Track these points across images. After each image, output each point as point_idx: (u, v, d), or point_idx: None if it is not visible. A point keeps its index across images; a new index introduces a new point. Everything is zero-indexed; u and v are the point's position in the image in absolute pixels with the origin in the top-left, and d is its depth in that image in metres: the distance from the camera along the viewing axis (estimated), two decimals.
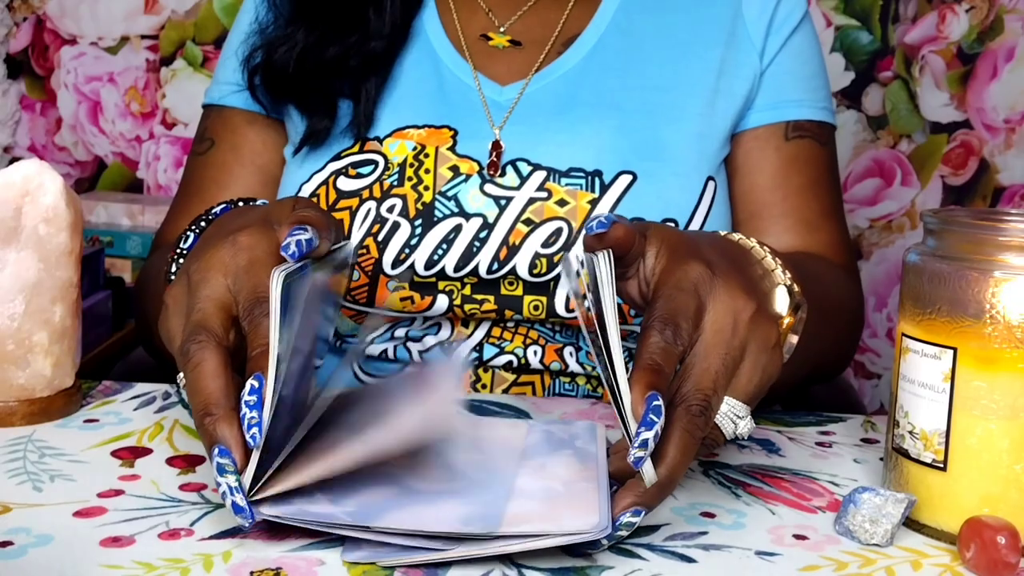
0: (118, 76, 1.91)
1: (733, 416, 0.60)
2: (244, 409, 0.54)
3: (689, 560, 0.56)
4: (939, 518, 0.59)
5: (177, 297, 0.62)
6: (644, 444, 0.53)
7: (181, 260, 0.72)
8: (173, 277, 0.72)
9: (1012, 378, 0.57)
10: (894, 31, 1.83)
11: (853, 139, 1.85)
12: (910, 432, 0.60)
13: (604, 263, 0.57)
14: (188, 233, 0.73)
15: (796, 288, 0.66)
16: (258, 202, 0.76)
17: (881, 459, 0.71)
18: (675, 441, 0.55)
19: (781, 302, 0.65)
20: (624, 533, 0.55)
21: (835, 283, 0.90)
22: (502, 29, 0.97)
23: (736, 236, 0.68)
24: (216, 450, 0.55)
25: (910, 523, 0.60)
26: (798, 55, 0.97)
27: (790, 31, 0.96)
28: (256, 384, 0.55)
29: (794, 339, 0.66)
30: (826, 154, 0.98)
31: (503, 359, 0.88)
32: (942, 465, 0.59)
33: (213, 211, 0.74)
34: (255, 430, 0.54)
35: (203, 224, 0.73)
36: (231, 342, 0.59)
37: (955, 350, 0.58)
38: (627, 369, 0.55)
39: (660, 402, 0.54)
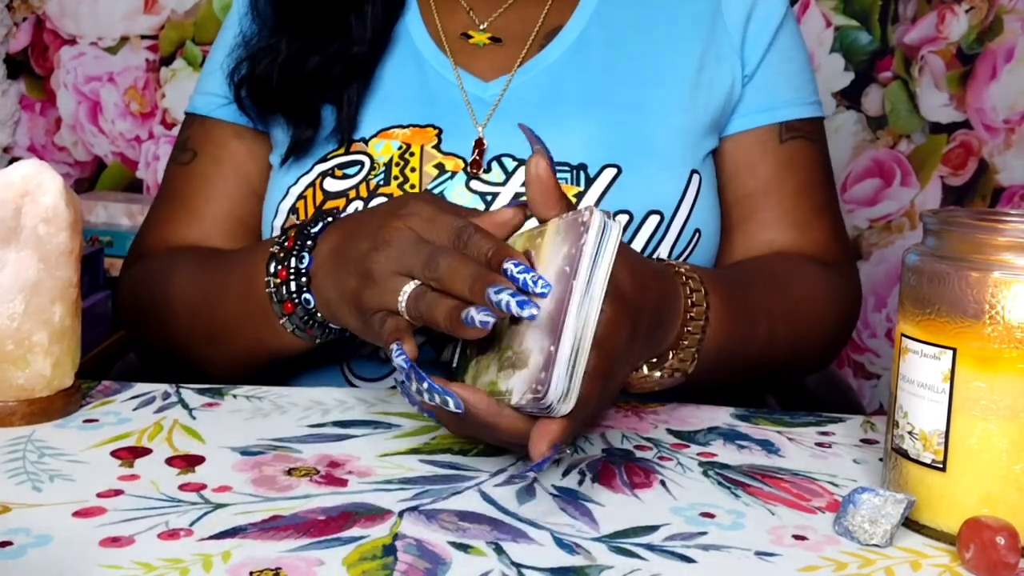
0: (118, 76, 1.91)
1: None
2: (523, 280, 0.60)
3: (688, 560, 0.56)
4: (938, 519, 0.59)
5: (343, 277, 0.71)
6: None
7: (303, 279, 0.77)
8: (290, 294, 0.78)
9: (1012, 378, 0.57)
10: (893, 31, 1.83)
11: (852, 139, 1.86)
12: (909, 432, 0.60)
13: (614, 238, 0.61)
14: (299, 252, 0.77)
15: (691, 360, 0.74)
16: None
17: (880, 459, 0.71)
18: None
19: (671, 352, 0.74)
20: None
21: (813, 286, 0.91)
22: (482, 27, 0.97)
23: (686, 283, 0.75)
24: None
25: (909, 523, 0.60)
26: (784, 54, 0.97)
27: (774, 31, 0.96)
28: (518, 261, 0.61)
29: (654, 386, 0.75)
30: (817, 151, 0.98)
31: None
32: (941, 465, 0.59)
33: (312, 231, 0.78)
34: (542, 284, 0.60)
35: (309, 244, 0.77)
36: None
37: (954, 350, 0.58)
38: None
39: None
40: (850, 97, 1.85)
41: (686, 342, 0.74)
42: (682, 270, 0.75)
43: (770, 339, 0.84)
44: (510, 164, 0.89)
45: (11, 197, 0.70)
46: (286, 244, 0.79)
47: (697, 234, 0.90)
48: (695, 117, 0.92)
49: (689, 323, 0.74)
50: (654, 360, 0.74)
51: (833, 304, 0.93)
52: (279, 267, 0.78)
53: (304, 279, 0.77)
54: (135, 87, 1.91)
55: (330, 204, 0.88)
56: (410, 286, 0.66)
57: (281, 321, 0.79)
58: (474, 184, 0.88)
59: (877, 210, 1.88)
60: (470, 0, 0.98)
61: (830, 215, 0.97)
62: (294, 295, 0.78)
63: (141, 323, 0.95)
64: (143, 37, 1.90)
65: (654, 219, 0.87)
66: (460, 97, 0.93)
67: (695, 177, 0.91)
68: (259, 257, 0.80)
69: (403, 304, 0.66)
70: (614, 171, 0.88)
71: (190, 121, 1.02)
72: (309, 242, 0.77)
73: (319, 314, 0.78)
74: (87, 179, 1.93)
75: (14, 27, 1.91)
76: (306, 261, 0.77)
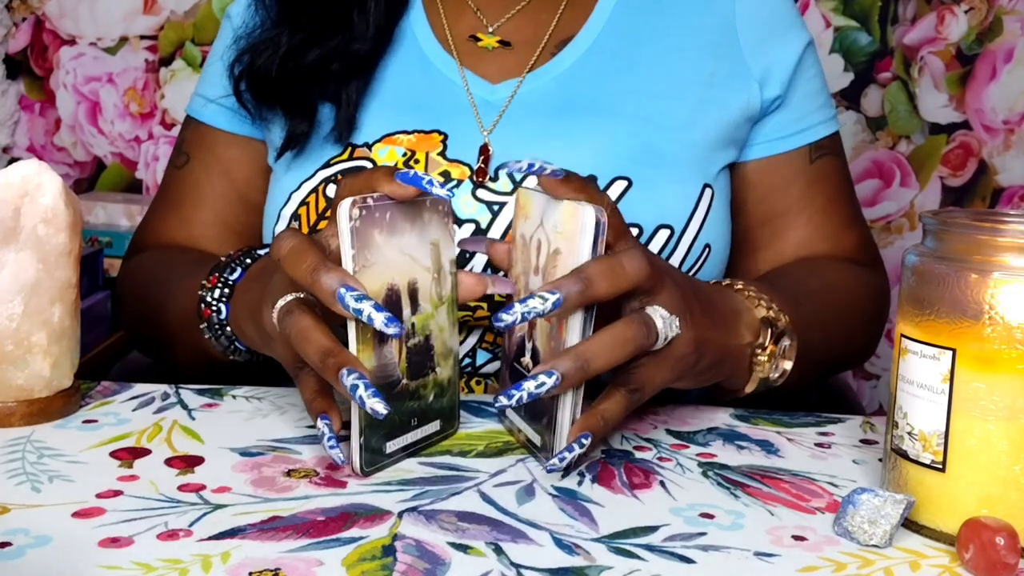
0: (117, 77, 1.91)
1: (664, 316, 0.65)
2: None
3: (688, 561, 0.56)
4: (938, 519, 0.59)
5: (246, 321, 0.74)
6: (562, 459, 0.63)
7: (227, 290, 0.81)
8: (212, 300, 0.81)
9: (1011, 379, 0.57)
10: (893, 32, 1.83)
11: (852, 140, 1.86)
12: (909, 433, 0.60)
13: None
14: (235, 266, 0.82)
15: (782, 320, 0.76)
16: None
17: (880, 460, 0.71)
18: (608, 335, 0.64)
19: (763, 332, 0.75)
20: (578, 451, 0.63)
21: (850, 285, 0.94)
22: (491, 30, 0.96)
23: (725, 282, 0.79)
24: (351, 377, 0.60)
25: (909, 524, 0.60)
26: (810, 78, 0.98)
27: (799, 54, 0.96)
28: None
29: (787, 364, 0.77)
30: (841, 164, 1.00)
31: (496, 365, 0.88)
32: (941, 466, 0.59)
33: (257, 252, 0.82)
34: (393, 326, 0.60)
35: (248, 262, 0.81)
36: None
37: (954, 351, 0.58)
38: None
39: (588, 441, 0.64)
40: (850, 98, 1.85)
41: (758, 309, 0.77)
42: (740, 286, 0.78)
43: (823, 337, 0.85)
44: (517, 173, 0.88)
45: (10, 197, 0.70)
46: (232, 255, 0.82)
47: (707, 249, 0.90)
48: (705, 131, 0.92)
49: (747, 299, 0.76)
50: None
51: (871, 299, 0.97)
52: (213, 274, 0.81)
53: (228, 290, 0.80)
54: (134, 88, 1.91)
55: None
56: (286, 299, 0.66)
57: (201, 326, 0.82)
58: (480, 193, 0.87)
59: (877, 211, 1.88)
60: (478, 2, 0.97)
61: (859, 224, 1.00)
62: (214, 303, 0.81)
63: (130, 316, 0.98)
64: (142, 38, 1.90)
65: (664, 233, 0.87)
66: (466, 100, 0.92)
67: (707, 191, 0.90)
68: (212, 264, 0.84)
69: (275, 315, 0.66)
70: (624, 184, 0.87)
71: (188, 123, 1.03)
72: (248, 260, 0.81)
73: (228, 327, 0.81)
74: (86, 179, 1.93)
75: (13, 27, 1.91)
76: (236, 274, 0.80)
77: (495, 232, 0.86)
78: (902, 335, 0.61)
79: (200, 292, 0.82)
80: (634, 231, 0.86)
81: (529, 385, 0.61)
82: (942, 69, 1.83)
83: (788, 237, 0.96)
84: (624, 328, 0.64)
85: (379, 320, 0.59)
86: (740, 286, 0.77)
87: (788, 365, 0.76)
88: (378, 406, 0.59)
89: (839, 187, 0.99)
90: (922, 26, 1.82)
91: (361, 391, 0.59)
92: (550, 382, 0.61)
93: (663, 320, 0.65)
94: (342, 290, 0.60)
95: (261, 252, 0.81)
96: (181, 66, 1.89)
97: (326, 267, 0.61)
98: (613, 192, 0.86)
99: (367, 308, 0.59)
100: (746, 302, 0.76)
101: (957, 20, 1.82)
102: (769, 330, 0.75)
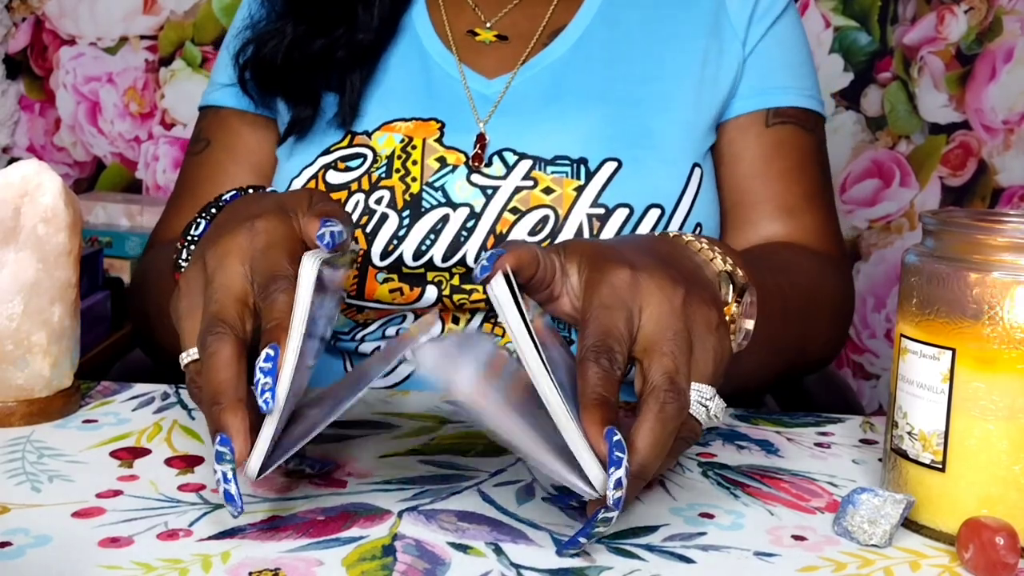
0: (117, 76, 1.91)
1: (701, 400, 0.58)
2: (258, 375, 0.55)
3: (688, 561, 0.56)
4: (938, 519, 0.59)
5: (191, 280, 0.62)
6: (619, 483, 0.52)
7: (192, 247, 0.72)
8: (183, 262, 0.72)
9: (1011, 379, 0.57)
10: (893, 32, 1.83)
11: (852, 140, 1.86)
12: (909, 433, 0.60)
13: (499, 291, 0.56)
14: (199, 220, 0.73)
15: (740, 273, 0.65)
16: (268, 189, 0.76)
17: (880, 460, 0.71)
18: (646, 431, 0.55)
19: (723, 289, 0.64)
20: (601, 529, 0.54)
21: (813, 271, 0.89)
22: (488, 24, 0.98)
23: (671, 233, 0.68)
24: (218, 438, 0.55)
25: (909, 524, 0.60)
26: (781, 43, 0.97)
27: (772, 20, 0.97)
28: (272, 353, 0.55)
29: (749, 323, 0.65)
30: (811, 140, 0.97)
31: None
32: (941, 466, 0.59)
33: (223, 198, 0.74)
34: (268, 395, 0.54)
35: (213, 212, 0.73)
36: (248, 333, 0.59)
37: (954, 351, 0.58)
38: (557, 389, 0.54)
39: (619, 436, 0.53)
40: (849, 98, 1.85)
41: (715, 262, 0.67)
42: (690, 238, 0.69)
43: (784, 319, 0.80)
44: (511, 158, 0.89)
45: (10, 197, 0.70)
46: (201, 210, 0.75)
47: (698, 228, 0.90)
48: (699, 112, 0.93)
49: (700, 251, 0.68)
50: None
51: (831, 294, 0.91)
52: (184, 235, 0.74)
53: (193, 248, 0.72)
54: (134, 88, 1.91)
55: (332, 196, 0.88)
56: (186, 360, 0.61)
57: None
58: (475, 178, 0.89)
59: (876, 211, 1.88)
60: None
61: (822, 203, 0.96)
62: (182, 265, 0.73)
63: (132, 312, 0.96)
64: (142, 37, 1.90)
65: (655, 212, 0.87)
66: (463, 93, 0.94)
67: (696, 171, 0.91)
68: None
69: (183, 362, 0.61)
70: (614, 165, 0.88)
71: (203, 114, 1.02)
72: (213, 210, 0.73)
73: None
74: (86, 179, 1.93)
75: (13, 27, 1.91)
76: (201, 228, 0.73)
77: (488, 215, 0.87)
78: (902, 335, 0.61)
79: (173, 255, 0.75)
80: (624, 211, 0.86)
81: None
82: (942, 69, 1.83)
83: (747, 204, 0.94)
84: (663, 427, 0.56)
85: (222, 496, 0.54)
86: (690, 238, 0.68)
87: (750, 324, 0.67)
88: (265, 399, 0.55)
89: (804, 158, 0.95)
90: (922, 26, 1.82)
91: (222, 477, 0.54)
92: (614, 516, 0.54)
93: (704, 414, 0.59)
94: (218, 444, 0.55)
95: (227, 197, 0.74)
96: (181, 66, 1.89)
97: (223, 407, 0.56)
98: (603, 173, 0.87)
99: (218, 476, 0.54)
100: (699, 256, 0.67)
101: (957, 20, 1.82)
102: (729, 286, 0.66)
